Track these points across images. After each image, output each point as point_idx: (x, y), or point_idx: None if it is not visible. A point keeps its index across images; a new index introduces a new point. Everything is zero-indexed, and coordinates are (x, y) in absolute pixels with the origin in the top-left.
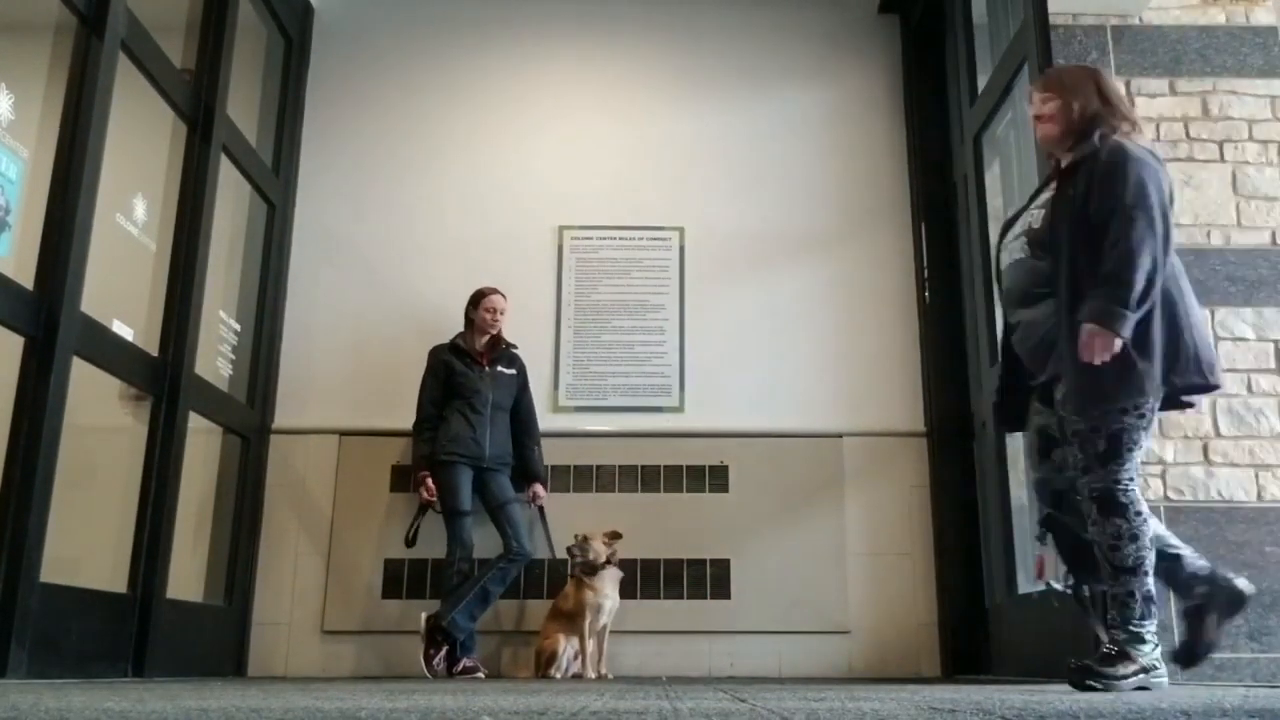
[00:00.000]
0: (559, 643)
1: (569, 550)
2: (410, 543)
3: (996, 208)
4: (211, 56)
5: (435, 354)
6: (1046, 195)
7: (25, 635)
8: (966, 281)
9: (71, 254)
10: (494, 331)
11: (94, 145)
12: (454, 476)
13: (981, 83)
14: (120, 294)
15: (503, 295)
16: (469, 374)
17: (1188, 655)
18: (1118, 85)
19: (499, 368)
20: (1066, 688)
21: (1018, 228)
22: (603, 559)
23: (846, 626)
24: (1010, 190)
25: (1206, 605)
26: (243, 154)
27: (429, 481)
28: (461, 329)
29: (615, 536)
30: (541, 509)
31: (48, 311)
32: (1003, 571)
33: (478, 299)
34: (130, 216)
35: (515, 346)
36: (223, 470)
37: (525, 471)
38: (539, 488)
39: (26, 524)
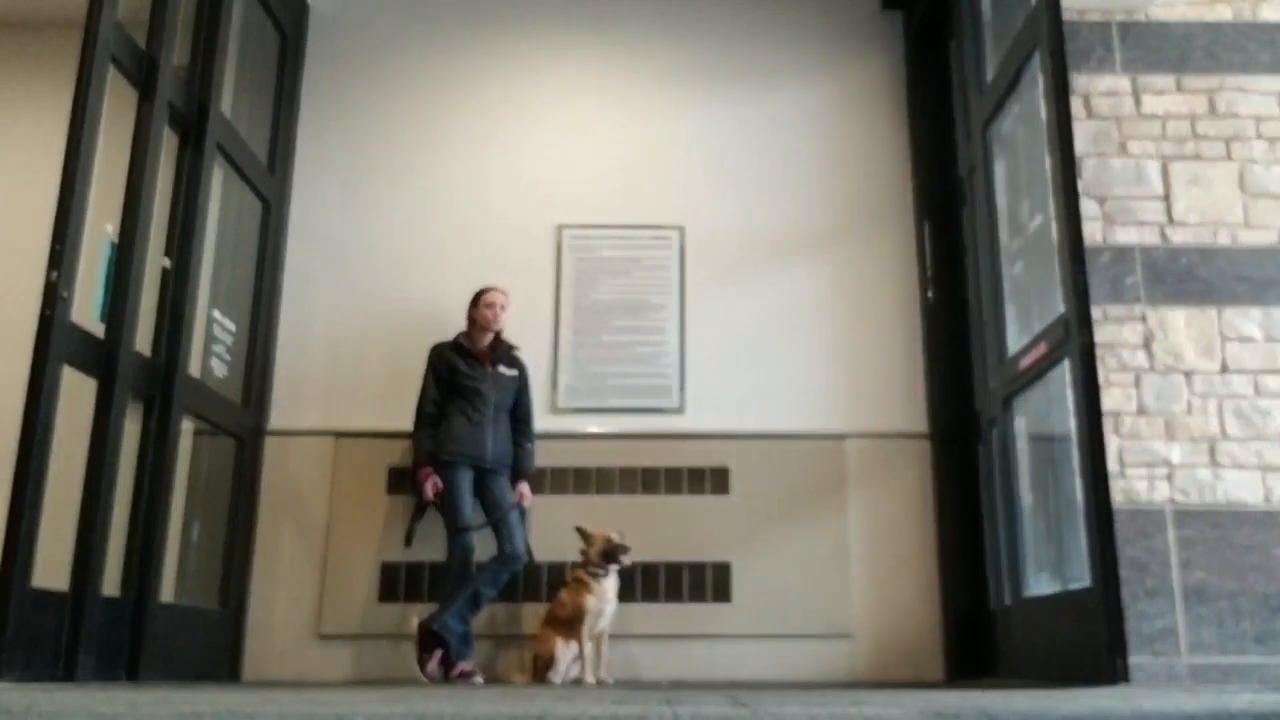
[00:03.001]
0: (557, 647)
1: (614, 556)
2: (409, 542)
3: (1001, 205)
4: (205, 53)
5: (437, 351)
6: None
7: (19, 638)
8: (971, 279)
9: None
10: (496, 328)
11: (84, 159)
12: (455, 479)
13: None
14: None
15: (503, 291)
16: (471, 374)
17: None
18: None
19: (500, 368)
20: (1072, 692)
21: None
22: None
23: (849, 630)
24: (1017, 186)
25: None
26: (237, 152)
27: (435, 479)
28: (459, 328)
29: (620, 535)
30: (523, 510)
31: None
32: (1007, 574)
33: (477, 297)
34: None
35: (517, 348)
36: (217, 472)
37: (516, 469)
38: (525, 488)
39: (19, 526)
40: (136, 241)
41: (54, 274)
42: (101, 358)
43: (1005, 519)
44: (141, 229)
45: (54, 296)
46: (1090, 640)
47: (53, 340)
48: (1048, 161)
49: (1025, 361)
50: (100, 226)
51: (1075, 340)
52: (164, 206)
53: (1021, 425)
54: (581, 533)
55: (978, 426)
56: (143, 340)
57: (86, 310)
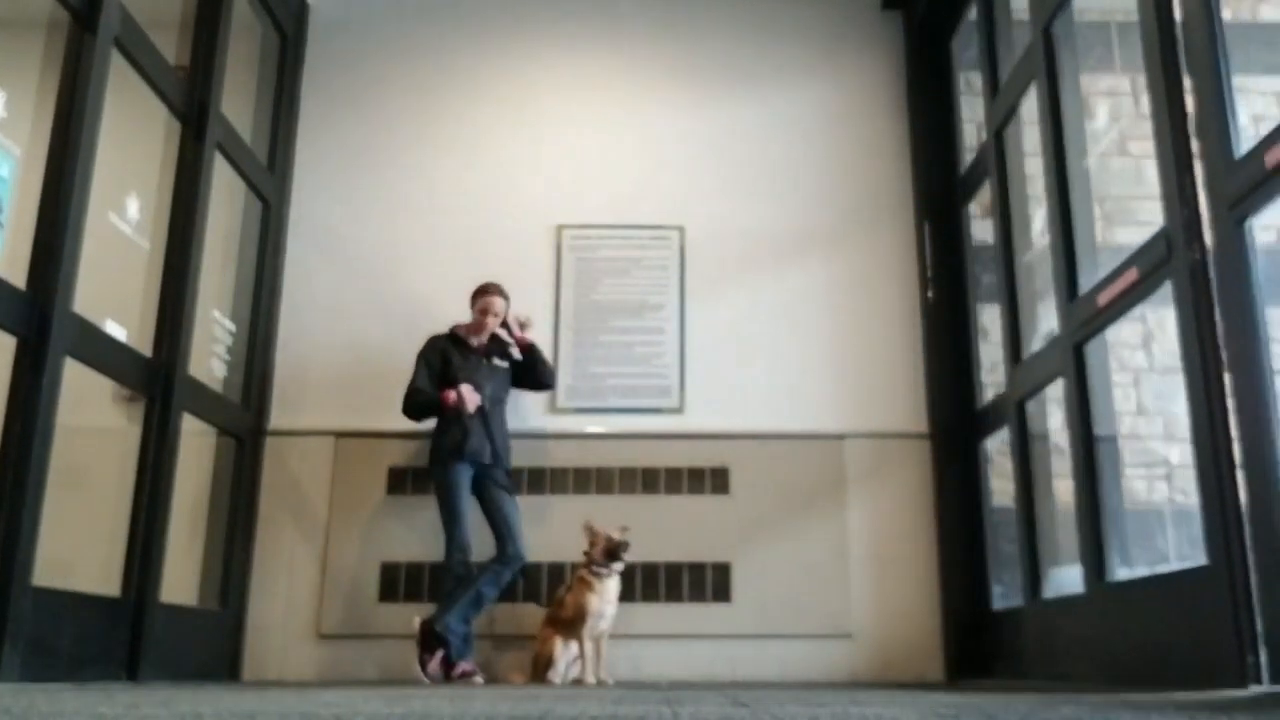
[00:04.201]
0: (556, 647)
1: (617, 553)
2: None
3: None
4: (206, 53)
5: (433, 341)
6: None
7: (18, 638)
8: (971, 280)
9: (64, 253)
10: (482, 335)
11: (86, 143)
12: (454, 478)
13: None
14: (113, 293)
15: (503, 297)
16: (465, 365)
17: None
18: None
19: (495, 360)
20: (1071, 692)
21: None
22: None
23: (849, 631)
24: (1018, 188)
25: None
26: (237, 152)
27: (453, 392)
28: (460, 324)
29: (623, 531)
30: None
31: (40, 311)
32: (1025, 572)
33: (476, 296)
34: (124, 215)
35: (511, 344)
36: (217, 472)
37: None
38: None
39: (19, 526)
40: (76, 185)
41: None
42: (25, 312)
43: (1023, 512)
44: (82, 171)
45: None
46: (1205, 635)
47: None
48: (1141, 82)
49: (1106, 296)
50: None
51: (1182, 256)
52: (164, 206)
53: (1052, 412)
54: (589, 530)
55: (976, 426)
56: (142, 340)
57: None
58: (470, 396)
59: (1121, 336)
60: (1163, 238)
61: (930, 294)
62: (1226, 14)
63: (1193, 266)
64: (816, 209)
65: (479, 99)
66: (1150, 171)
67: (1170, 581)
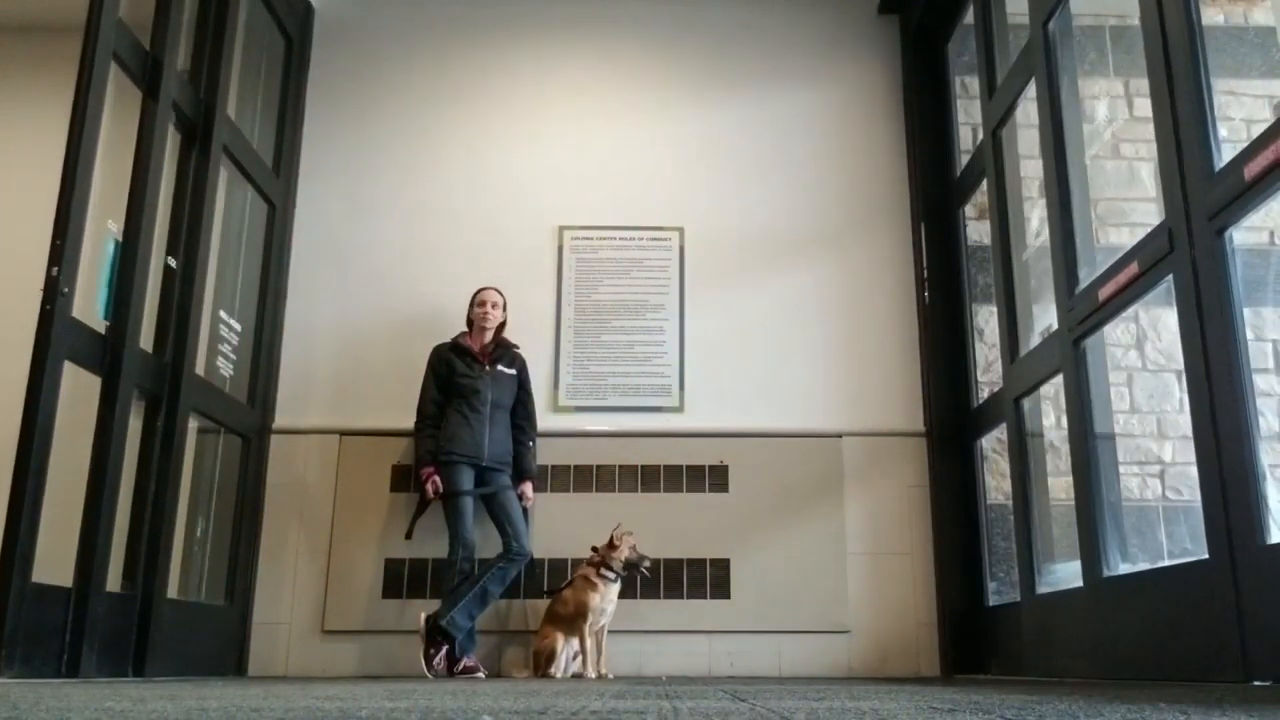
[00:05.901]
0: (558, 642)
1: (636, 565)
2: (409, 535)
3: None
4: (211, 57)
5: (437, 353)
6: None
7: (16, 635)
8: (966, 281)
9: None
10: (488, 326)
11: (88, 156)
12: (455, 479)
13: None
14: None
15: (496, 290)
16: (469, 373)
17: None
18: None
19: (500, 367)
20: (1065, 687)
21: None
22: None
23: (846, 626)
24: (1013, 191)
25: None
26: (243, 154)
27: (436, 479)
28: (462, 328)
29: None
30: (526, 510)
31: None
32: (1024, 568)
33: (472, 297)
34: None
35: (518, 346)
36: (223, 470)
37: (518, 468)
38: (528, 487)
39: (18, 524)
40: (141, 240)
41: (54, 270)
42: (105, 354)
43: (1020, 510)
44: (146, 227)
45: (54, 292)
46: (1205, 629)
47: (53, 336)
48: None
49: (1106, 291)
50: (104, 225)
51: (1183, 249)
52: (170, 208)
53: (1044, 413)
54: (618, 535)
55: (972, 425)
56: (148, 340)
57: (91, 308)
58: (432, 491)
59: (1114, 336)
60: (1164, 231)
61: (927, 295)
62: (1219, 18)
63: (1193, 260)
64: (815, 210)
65: (482, 101)
66: (1144, 172)
67: (1169, 575)
